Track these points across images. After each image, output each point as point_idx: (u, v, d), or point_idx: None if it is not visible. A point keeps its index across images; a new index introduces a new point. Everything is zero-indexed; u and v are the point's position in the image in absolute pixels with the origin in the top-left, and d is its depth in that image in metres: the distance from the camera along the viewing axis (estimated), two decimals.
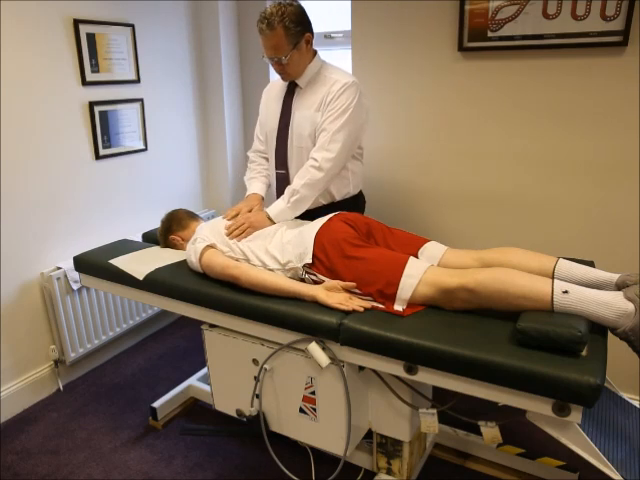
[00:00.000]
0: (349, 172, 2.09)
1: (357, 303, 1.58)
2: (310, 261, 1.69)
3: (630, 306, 1.33)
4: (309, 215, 2.05)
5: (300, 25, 1.89)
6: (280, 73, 2.00)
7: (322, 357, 1.57)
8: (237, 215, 1.99)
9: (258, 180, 2.22)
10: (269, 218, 1.94)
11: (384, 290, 1.57)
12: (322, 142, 1.94)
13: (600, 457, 1.29)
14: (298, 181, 1.95)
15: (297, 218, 2.06)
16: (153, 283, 1.89)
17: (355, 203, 2.18)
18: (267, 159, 2.25)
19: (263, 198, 2.17)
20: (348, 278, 1.63)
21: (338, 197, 2.11)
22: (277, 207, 1.97)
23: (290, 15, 1.84)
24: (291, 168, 2.08)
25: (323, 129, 1.95)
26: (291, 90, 2.06)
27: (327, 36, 2.80)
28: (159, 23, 2.74)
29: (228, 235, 1.88)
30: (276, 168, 2.13)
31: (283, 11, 1.84)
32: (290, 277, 1.74)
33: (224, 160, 3.13)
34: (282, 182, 2.11)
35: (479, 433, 1.52)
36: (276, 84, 2.16)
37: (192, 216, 2.18)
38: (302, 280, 1.73)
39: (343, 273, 1.64)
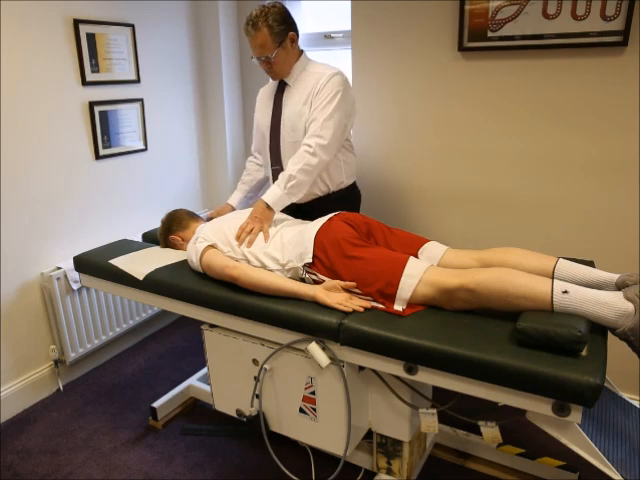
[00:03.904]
0: (341, 162, 2.13)
1: (357, 303, 1.58)
2: (310, 260, 1.69)
3: (630, 306, 1.33)
4: (307, 207, 2.11)
5: (283, 24, 1.96)
6: (268, 72, 2.07)
7: (322, 357, 1.57)
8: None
9: (239, 191, 2.37)
10: (268, 207, 1.93)
11: (384, 290, 1.57)
12: (314, 129, 1.97)
13: (600, 457, 1.29)
14: (293, 167, 1.95)
15: (297, 217, 2.07)
16: (153, 283, 1.89)
17: (350, 194, 2.23)
18: (259, 164, 2.35)
19: (234, 208, 2.32)
20: (348, 278, 1.63)
21: (333, 187, 2.14)
22: (274, 195, 1.95)
23: (273, 15, 1.94)
24: (285, 164, 2.10)
25: (314, 119, 1.98)
26: (281, 88, 2.12)
27: (327, 36, 2.80)
28: (159, 23, 2.74)
29: (237, 239, 1.86)
30: (271, 165, 2.17)
31: (266, 12, 1.94)
32: (290, 277, 1.74)
33: (224, 160, 3.13)
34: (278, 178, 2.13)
35: (479, 433, 1.52)
36: (268, 86, 2.22)
37: (192, 216, 2.18)
38: (302, 280, 1.73)
39: (343, 273, 1.64)
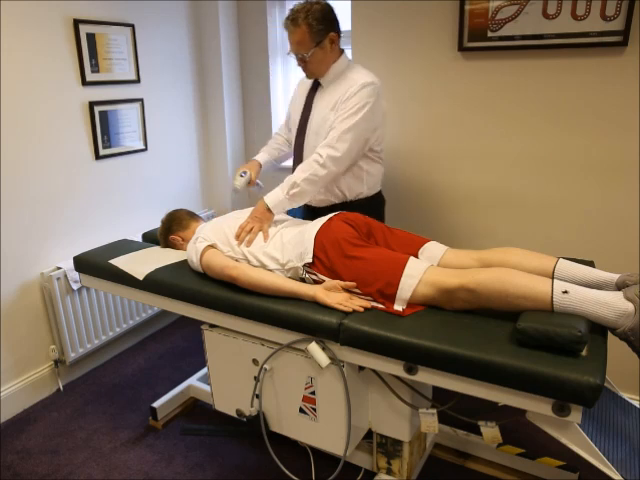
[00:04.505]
0: (364, 172, 2.06)
1: (357, 303, 1.58)
2: (310, 260, 1.69)
3: (630, 306, 1.33)
4: (323, 212, 2.01)
5: (324, 24, 1.89)
6: (303, 70, 2.01)
7: (322, 357, 1.57)
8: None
9: (266, 152, 2.33)
10: (268, 209, 1.91)
11: (384, 290, 1.57)
12: (330, 139, 1.91)
13: (600, 457, 1.29)
14: (300, 174, 1.92)
15: (306, 219, 2.06)
16: (153, 283, 1.89)
17: (370, 204, 2.13)
18: (286, 140, 2.33)
19: (261, 165, 2.28)
20: (348, 278, 1.63)
21: (350, 197, 2.08)
22: (275, 198, 1.93)
23: (314, 13, 1.87)
24: None
25: (334, 127, 1.92)
26: (314, 88, 2.07)
27: None
28: (159, 23, 2.74)
29: (237, 238, 1.85)
30: (294, 164, 2.13)
31: (308, 9, 1.87)
32: (290, 277, 1.74)
33: (224, 160, 3.13)
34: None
35: (479, 433, 1.52)
36: (307, 80, 2.13)
37: (192, 216, 2.18)
38: (302, 280, 1.73)
39: (343, 273, 1.64)
